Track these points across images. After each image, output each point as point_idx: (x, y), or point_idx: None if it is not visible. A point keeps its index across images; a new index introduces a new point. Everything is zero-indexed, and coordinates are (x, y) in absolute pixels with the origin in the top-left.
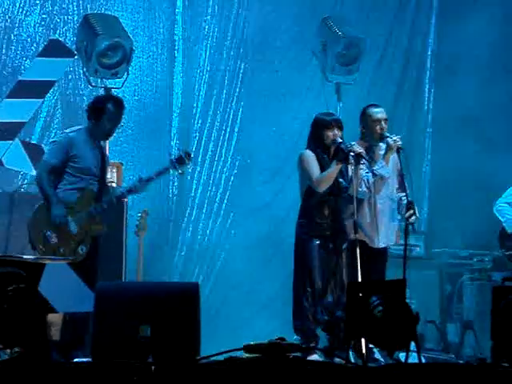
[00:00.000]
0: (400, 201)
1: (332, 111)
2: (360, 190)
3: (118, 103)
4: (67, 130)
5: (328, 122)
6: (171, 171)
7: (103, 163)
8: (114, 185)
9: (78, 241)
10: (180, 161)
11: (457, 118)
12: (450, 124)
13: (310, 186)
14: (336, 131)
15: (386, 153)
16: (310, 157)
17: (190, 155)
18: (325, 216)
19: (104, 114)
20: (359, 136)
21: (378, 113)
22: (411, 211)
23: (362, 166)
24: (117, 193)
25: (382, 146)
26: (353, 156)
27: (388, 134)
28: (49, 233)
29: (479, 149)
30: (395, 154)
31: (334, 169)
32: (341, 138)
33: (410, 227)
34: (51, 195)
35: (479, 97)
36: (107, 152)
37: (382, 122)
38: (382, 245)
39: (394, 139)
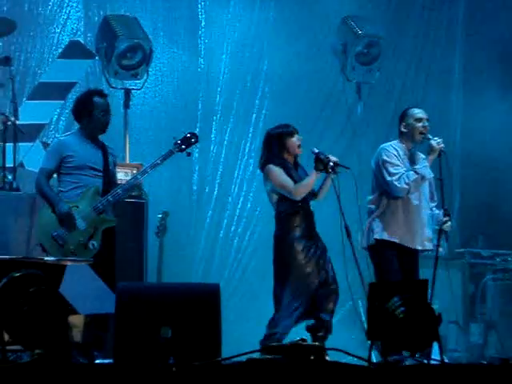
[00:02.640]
0: (431, 211)
1: (353, 110)
2: (399, 185)
3: (102, 94)
4: (59, 136)
5: (291, 131)
6: (179, 153)
7: (106, 160)
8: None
9: (87, 237)
10: (185, 141)
11: (486, 120)
12: (480, 124)
13: (281, 196)
14: (298, 136)
15: (429, 154)
16: (278, 170)
17: (195, 134)
18: (302, 220)
19: (94, 108)
20: (398, 137)
21: (420, 112)
22: (447, 218)
23: (397, 163)
24: (125, 186)
25: (420, 154)
26: (331, 165)
27: (431, 136)
28: (56, 233)
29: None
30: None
31: (313, 178)
32: (316, 148)
33: (443, 235)
34: (53, 196)
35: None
36: (127, 153)
37: (425, 121)
38: (418, 247)
39: (438, 141)
